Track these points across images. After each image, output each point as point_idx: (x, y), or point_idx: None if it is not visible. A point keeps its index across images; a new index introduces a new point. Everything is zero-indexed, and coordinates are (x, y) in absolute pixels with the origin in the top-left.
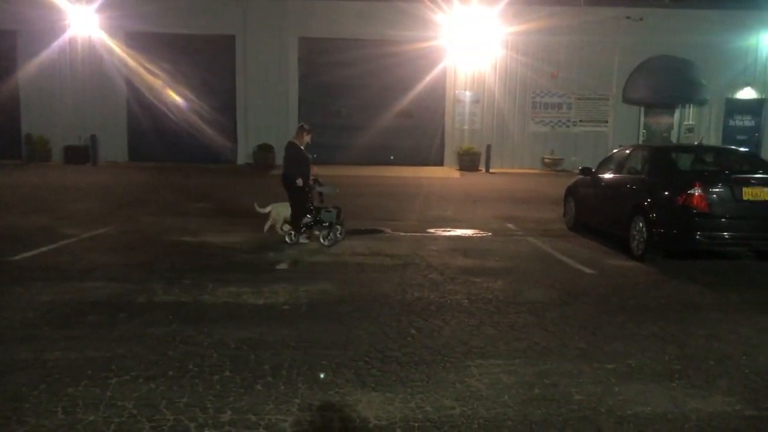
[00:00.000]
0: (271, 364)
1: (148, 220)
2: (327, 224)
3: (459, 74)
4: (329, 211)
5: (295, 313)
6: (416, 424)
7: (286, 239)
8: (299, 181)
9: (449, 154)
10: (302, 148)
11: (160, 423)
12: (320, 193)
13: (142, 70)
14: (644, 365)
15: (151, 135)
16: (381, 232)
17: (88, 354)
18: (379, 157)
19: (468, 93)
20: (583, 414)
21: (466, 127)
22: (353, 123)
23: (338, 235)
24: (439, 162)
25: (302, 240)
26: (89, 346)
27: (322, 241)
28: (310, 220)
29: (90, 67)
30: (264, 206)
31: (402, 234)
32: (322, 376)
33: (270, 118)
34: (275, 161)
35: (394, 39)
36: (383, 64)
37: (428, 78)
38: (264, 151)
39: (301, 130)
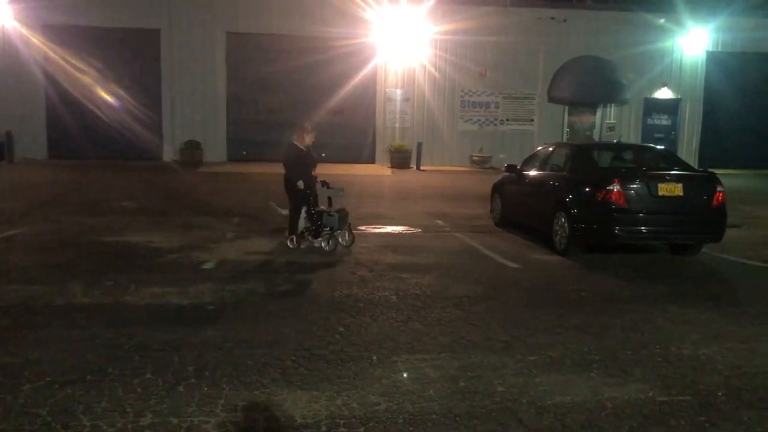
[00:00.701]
0: (194, 366)
1: (67, 219)
2: (328, 229)
3: (389, 72)
4: (331, 216)
5: (220, 313)
6: (342, 421)
7: (288, 244)
8: (300, 184)
9: (381, 152)
10: (303, 148)
11: (76, 429)
12: (329, 197)
13: (63, 64)
14: (565, 356)
15: (73, 131)
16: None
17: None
18: None
19: (399, 91)
20: (505, 405)
21: (397, 125)
22: (284, 120)
23: (341, 241)
24: (371, 160)
25: (303, 246)
26: (1, 352)
27: (323, 246)
28: (311, 224)
29: (5, 61)
30: (285, 207)
31: None
32: None
33: (197, 114)
34: (203, 158)
35: (325, 36)
36: (314, 60)
37: (359, 76)
38: (191, 147)
39: (301, 129)
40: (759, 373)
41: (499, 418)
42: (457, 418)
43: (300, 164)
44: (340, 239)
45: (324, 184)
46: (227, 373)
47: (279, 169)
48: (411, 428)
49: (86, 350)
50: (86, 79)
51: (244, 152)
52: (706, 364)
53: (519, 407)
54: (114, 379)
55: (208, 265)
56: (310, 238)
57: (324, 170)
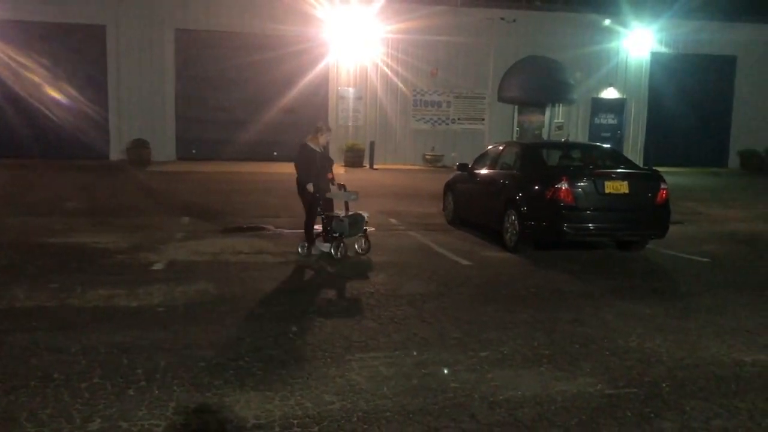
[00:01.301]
0: (144, 368)
1: (9, 220)
2: (337, 235)
3: (341, 71)
4: (341, 221)
5: (171, 314)
6: (295, 421)
7: (299, 249)
8: (310, 187)
9: (334, 151)
10: (317, 149)
11: None
12: (345, 202)
13: (5, 60)
14: (516, 352)
15: (15, 129)
16: (263, 229)
17: None
18: (262, 153)
19: (351, 90)
20: (458, 401)
21: (350, 123)
22: (234, 118)
23: (356, 248)
24: None
25: (315, 253)
26: None
27: (332, 252)
28: (321, 229)
29: None
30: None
31: (285, 231)
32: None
33: (145, 112)
34: (151, 157)
35: (276, 33)
36: (265, 58)
37: (311, 74)
38: (139, 146)
39: (315, 129)
40: (701, 364)
41: (452, 414)
42: (411, 415)
43: (311, 166)
44: (356, 246)
45: (341, 187)
46: (178, 375)
47: (228, 167)
48: (365, 426)
49: (30, 355)
50: (30, 76)
51: (194, 151)
52: (651, 357)
53: (472, 402)
54: (60, 384)
55: (157, 266)
56: (319, 245)
57: (277, 170)
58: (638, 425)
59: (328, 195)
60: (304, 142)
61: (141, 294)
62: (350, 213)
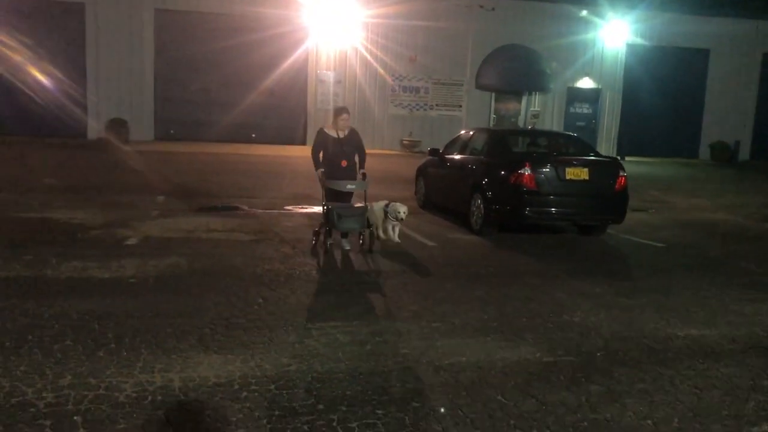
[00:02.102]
0: (114, 333)
1: None
2: (324, 228)
3: (321, 54)
4: (330, 210)
5: (142, 285)
6: (254, 380)
7: (314, 242)
8: (319, 173)
9: (312, 134)
10: (334, 135)
11: None
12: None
13: None
14: (466, 324)
15: None
16: (238, 209)
17: None
18: (241, 135)
19: (331, 73)
20: (407, 365)
21: (329, 107)
22: (214, 100)
23: (345, 245)
24: (303, 141)
25: (345, 245)
26: None
27: (343, 245)
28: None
29: None
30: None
31: (259, 211)
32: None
33: (124, 91)
34: (129, 136)
35: (256, 16)
36: (245, 40)
37: (291, 57)
38: (117, 125)
39: (335, 112)
40: (636, 337)
41: (399, 376)
42: (361, 376)
43: (319, 151)
44: (344, 243)
45: (364, 176)
46: (146, 340)
47: (207, 148)
48: (318, 385)
49: (5, 320)
50: (7, 53)
51: (172, 131)
52: (592, 330)
53: (419, 367)
54: (33, 346)
55: (131, 242)
56: (321, 238)
57: (255, 152)
58: (568, 388)
59: (326, 184)
60: (321, 128)
61: (114, 267)
62: (359, 205)
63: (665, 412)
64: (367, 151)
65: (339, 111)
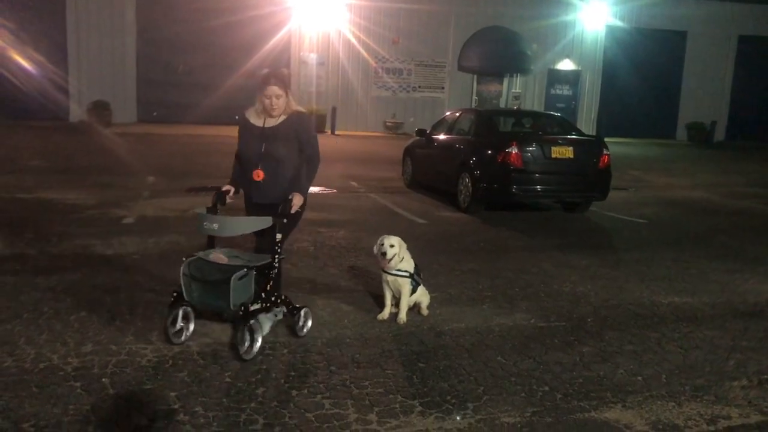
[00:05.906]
0: (127, 305)
1: None
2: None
3: (304, 36)
4: (183, 272)
5: (146, 260)
6: (267, 345)
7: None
8: (226, 189)
9: None
10: (255, 121)
11: (21, 357)
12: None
13: None
14: (461, 293)
15: None
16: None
17: None
18: (223, 117)
19: (314, 55)
20: (409, 331)
21: (312, 89)
22: (197, 81)
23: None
24: None
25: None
26: None
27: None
28: None
29: None
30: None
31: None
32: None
33: (106, 73)
34: (112, 118)
35: None
36: (227, 22)
37: (274, 39)
38: (100, 107)
39: (259, 81)
40: (623, 304)
41: (404, 340)
42: (368, 341)
43: (240, 151)
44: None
45: (285, 208)
46: (159, 311)
47: (190, 130)
48: (328, 349)
49: (18, 293)
50: None
51: (155, 113)
52: (581, 299)
53: (421, 332)
54: (50, 317)
55: (127, 221)
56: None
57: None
58: (562, 349)
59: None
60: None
61: (115, 244)
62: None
63: (654, 369)
64: (350, 132)
65: (264, 80)
